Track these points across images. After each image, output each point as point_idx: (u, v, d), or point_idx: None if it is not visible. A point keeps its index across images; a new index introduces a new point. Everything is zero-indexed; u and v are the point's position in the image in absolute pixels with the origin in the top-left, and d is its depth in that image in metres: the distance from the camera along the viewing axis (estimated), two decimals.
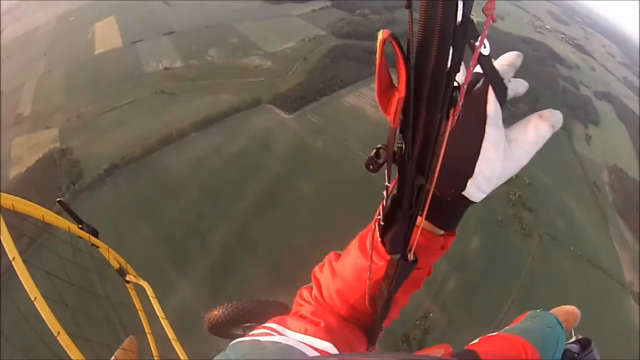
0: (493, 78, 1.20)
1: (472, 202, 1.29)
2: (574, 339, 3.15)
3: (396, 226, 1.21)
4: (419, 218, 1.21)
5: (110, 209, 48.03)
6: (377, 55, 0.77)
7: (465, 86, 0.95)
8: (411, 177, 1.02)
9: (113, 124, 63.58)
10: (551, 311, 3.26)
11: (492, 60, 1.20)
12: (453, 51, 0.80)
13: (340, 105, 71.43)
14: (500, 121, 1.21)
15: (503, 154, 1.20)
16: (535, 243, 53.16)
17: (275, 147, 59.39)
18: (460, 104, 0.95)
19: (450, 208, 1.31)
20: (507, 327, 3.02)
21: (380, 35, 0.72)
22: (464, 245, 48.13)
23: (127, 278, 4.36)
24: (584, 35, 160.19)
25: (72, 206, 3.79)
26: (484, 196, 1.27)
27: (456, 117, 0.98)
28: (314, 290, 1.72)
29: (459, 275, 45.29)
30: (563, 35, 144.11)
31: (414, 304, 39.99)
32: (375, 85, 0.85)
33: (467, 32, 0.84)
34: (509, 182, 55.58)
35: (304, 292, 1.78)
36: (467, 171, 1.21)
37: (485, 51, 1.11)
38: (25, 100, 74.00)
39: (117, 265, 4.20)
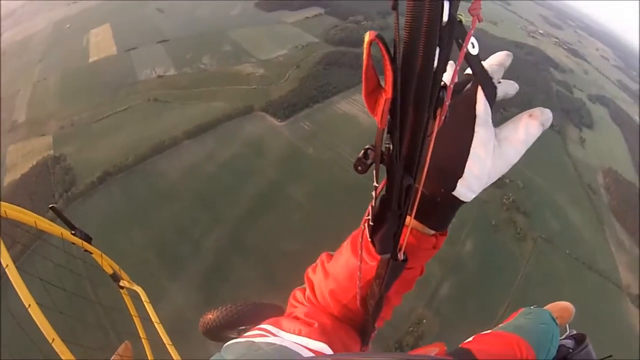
0: (482, 78, 1.21)
1: (463, 202, 1.29)
2: (567, 333, 3.14)
3: (385, 226, 1.21)
4: (408, 218, 1.21)
5: (104, 215, 47.96)
6: (364, 56, 0.77)
7: (451, 86, 0.96)
8: (399, 177, 1.03)
9: (106, 131, 63.54)
10: (545, 307, 3.24)
11: (481, 60, 1.21)
12: (439, 51, 0.80)
13: (332, 112, 71.54)
14: (490, 120, 1.22)
15: (493, 153, 1.21)
16: (530, 247, 53.22)
17: (267, 154, 59.50)
18: (447, 104, 0.96)
19: (441, 208, 1.31)
20: (501, 324, 3.02)
21: (367, 36, 0.71)
22: (457, 250, 48.15)
23: (121, 283, 4.34)
24: (577, 39, 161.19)
25: (66, 213, 3.78)
26: (474, 196, 1.28)
27: (443, 117, 0.99)
28: (307, 292, 1.71)
29: (452, 280, 45.33)
30: (556, 40, 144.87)
31: (407, 310, 40.03)
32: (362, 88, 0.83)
33: (453, 33, 0.85)
34: (502, 187, 56.09)
35: (298, 293, 1.78)
36: (457, 171, 1.22)
37: (474, 51, 1.12)
38: (20, 107, 73.79)
39: (110, 271, 4.19)
